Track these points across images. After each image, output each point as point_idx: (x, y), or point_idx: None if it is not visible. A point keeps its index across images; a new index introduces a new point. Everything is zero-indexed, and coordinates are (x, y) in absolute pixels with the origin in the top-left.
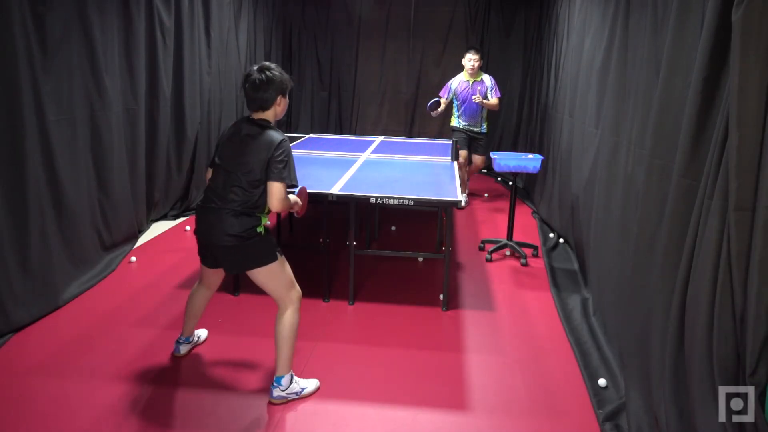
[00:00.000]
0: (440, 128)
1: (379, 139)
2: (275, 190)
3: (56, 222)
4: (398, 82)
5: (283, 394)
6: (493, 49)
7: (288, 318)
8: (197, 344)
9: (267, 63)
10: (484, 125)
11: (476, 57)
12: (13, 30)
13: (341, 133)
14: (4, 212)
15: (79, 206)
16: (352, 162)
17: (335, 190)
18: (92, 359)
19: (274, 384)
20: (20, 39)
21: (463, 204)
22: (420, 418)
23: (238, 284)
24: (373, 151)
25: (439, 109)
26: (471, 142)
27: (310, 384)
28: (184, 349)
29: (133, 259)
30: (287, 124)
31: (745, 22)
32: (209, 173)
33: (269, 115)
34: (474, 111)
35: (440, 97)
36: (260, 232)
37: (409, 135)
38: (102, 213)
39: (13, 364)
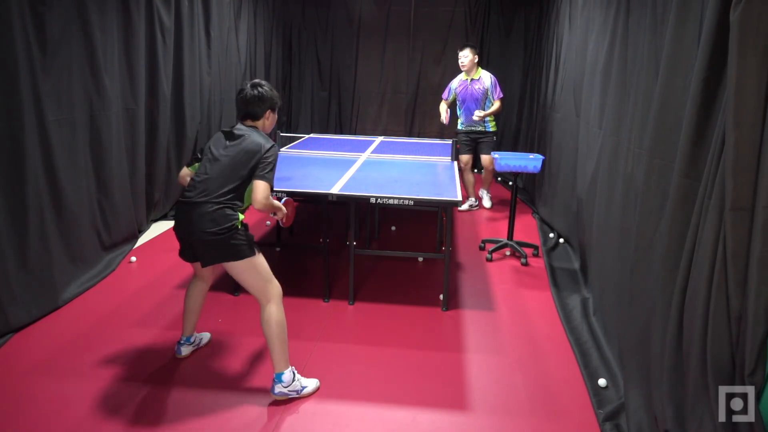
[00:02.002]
0: (440, 128)
1: (379, 139)
2: (261, 188)
3: (56, 222)
4: (398, 82)
5: (285, 390)
6: (493, 49)
7: (271, 314)
8: (199, 346)
9: (258, 80)
10: (489, 124)
11: (465, 53)
12: (13, 30)
13: (341, 133)
14: (4, 212)
15: (79, 206)
16: (352, 162)
17: (335, 190)
18: (92, 359)
19: (275, 380)
20: (20, 39)
21: (486, 204)
22: (420, 418)
23: (238, 284)
24: (373, 151)
25: (446, 115)
26: (476, 143)
27: (310, 383)
28: (185, 350)
29: (133, 259)
30: (287, 124)
31: (743, 21)
32: (186, 174)
33: (258, 125)
34: (473, 111)
35: (442, 99)
36: (238, 227)
37: (409, 135)
38: (102, 213)
39: (13, 364)
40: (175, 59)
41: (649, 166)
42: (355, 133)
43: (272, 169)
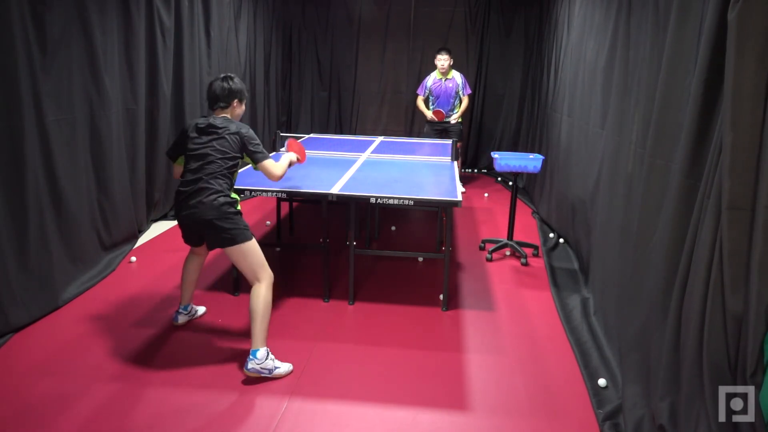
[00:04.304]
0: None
1: (379, 139)
2: (267, 166)
3: (56, 222)
4: (398, 82)
5: (257, 367)
6: (493, 49)
7: (262, 293)
8: (195, 317)
9: (230, 74)
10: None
11: (446, 57)
12: (13, 30)
13: (341, 133)
14: (4, 212)
15: (79, 206)
16: (352, 162)
17: (335, 190)
18: (92, 359)
19: (250, 357)
20: (20, 39)
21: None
22: (420, 418)
23: (238, 284)
24: (373, 151)
25: (429, 112)
26: (444, 133)
27: (283, 366)
28: (182, 319)
29: (133, 259)
30: (287, 124)
31: (740, 21)
32: (177, 169)
33: (227, 113)
34: (446, 105)
35: (417, 95)
36: (238, 210)
37: (409, 135)
38: (102, 213)
39: (13, 364)
40: (175, 59)
41: (651, 167)
42: (355, 133)
43: (259, 144)
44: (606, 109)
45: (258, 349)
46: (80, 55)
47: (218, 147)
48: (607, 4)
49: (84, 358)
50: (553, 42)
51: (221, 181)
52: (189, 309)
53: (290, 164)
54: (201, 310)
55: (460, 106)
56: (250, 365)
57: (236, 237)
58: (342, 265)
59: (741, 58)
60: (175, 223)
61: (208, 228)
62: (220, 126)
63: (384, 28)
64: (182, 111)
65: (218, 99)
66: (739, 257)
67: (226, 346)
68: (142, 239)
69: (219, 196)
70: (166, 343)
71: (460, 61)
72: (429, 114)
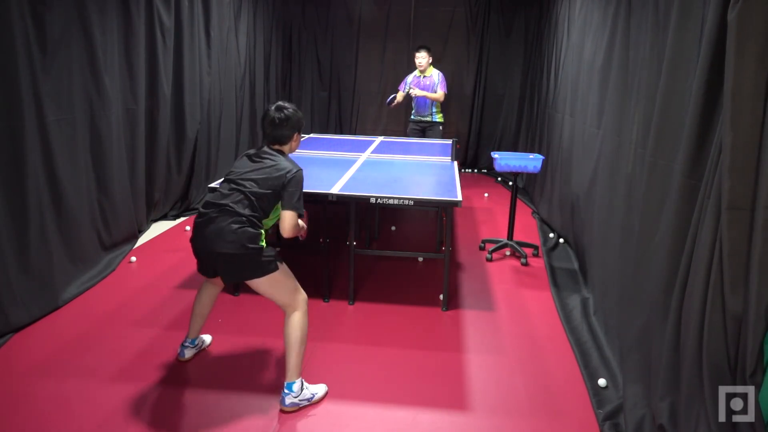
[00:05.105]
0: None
1: (379, 139)
2: (288, 217)
3: (56, 222)
4: (398, 82)
5: (296, 401)
6: (493, 49)
7: (296, 321)
8: (202, 349)
9: (282, 102)
10: (436, 115)
11: (423, 55)
12: (13, 30)
13: (341, 133)
14: (4, 212)
15: (79, 206)
16: (352, 162)
17: (335, 190)
18: (92, 359)
19: (286, 391)
20: (20, 39)
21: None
22: (420, 418)
23: (238, 284)
24: (373, 151)
25: (396, 101)
26: (424, 132)
27: (319, 389)
28: (189, 353)
29: (133, 259)
30: None
31: (740, 21)
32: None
33: (285, 149)
34: (423, 103)
35: (398, 91)
36: (262, 246)
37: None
38: (102, 213)
39: (13, 364)
40: (175, 59)
41: (651, 167)
42: (355, 133)
43: (298, 197)
44: (602, 109)
45: (293, 382)
46: (80, 55)
47: (255, 177)
48: (606, 4)
49: (84, 358)
50: (553, 42)
51: (248, 213)
52: (196, 342)
53: (299, 230)
54: (207, 339)
55: (438, 104)
56: (287, 401)
57: (256, 270)
58: (342, 265)
59: (741, 58)
60: (175, 223)
61: (223, 261)
62: (268, 157)
63: (384, 28)
64: (182, 111)
65: (274, 133)
66: (739, 257)
67: (226, 347)
68: (142, 239)
69: (241, 227)
70: (166, 343)
71: (460, 61)
72: (401, 95)
